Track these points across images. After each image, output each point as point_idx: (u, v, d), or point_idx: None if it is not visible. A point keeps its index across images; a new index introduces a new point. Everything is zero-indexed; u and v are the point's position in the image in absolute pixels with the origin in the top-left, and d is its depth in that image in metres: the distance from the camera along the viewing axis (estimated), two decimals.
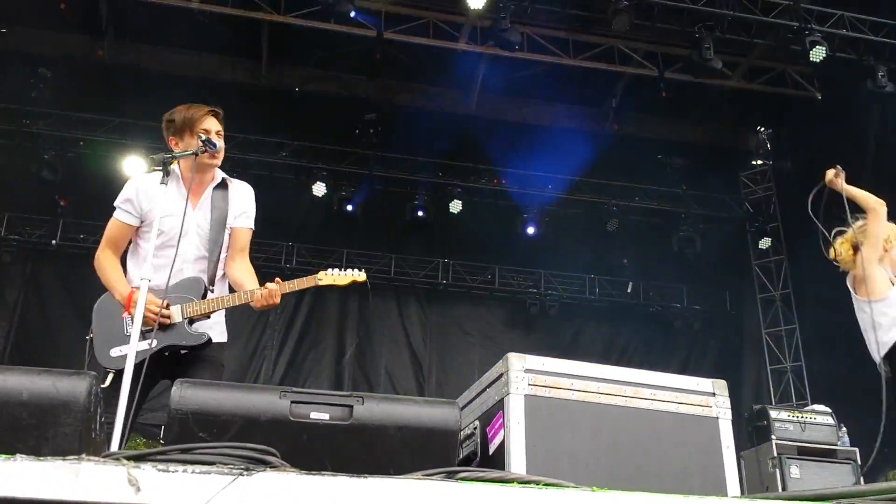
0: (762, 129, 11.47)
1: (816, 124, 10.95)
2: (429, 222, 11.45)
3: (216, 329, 3.54)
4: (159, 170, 3.35)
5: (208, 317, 3.41)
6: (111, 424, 2.72)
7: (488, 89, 11.81)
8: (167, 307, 3.30)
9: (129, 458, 1.31)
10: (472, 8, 9.25)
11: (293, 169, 11.27)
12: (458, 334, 11.93)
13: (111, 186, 10.49)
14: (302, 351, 11.33)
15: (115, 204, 3.58)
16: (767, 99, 11.16)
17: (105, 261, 3.54)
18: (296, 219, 11.34)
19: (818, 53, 9.24)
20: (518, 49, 9.97)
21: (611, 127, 12.32)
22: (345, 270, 3.52)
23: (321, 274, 3.51)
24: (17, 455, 1.27)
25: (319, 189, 11.06)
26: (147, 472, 1.28)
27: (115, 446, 2.65)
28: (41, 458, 1.26)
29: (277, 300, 3.36)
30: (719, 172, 12.26)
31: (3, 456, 1.27)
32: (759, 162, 11.97)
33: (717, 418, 2.79)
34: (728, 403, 2.84)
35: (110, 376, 3.17)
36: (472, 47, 10.46)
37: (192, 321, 3.36)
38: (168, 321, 3.28)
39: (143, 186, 3.53)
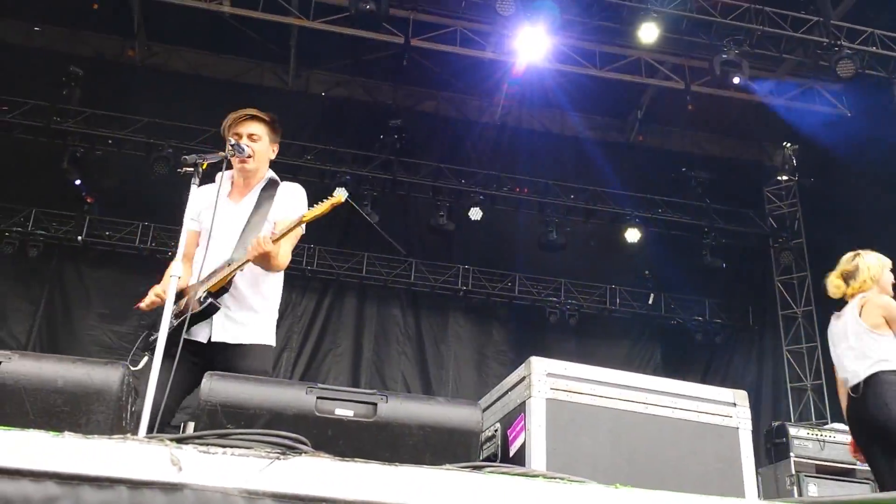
0: (788, 144, 11.41)
1: (844, 141, 10.90)
2: (450, 229, 11.49)
3: (261, 328, 3.56)
4: (190, 170, 3.42)
5: (226, 289, 3.46)
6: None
7: (513, 98, 11.86)
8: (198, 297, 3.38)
9: (171, 440, 1.36)
10: (499, 13, 9.21)
11: (317, 172, 11.37)
12: (477, 341, 11.95)
13: (137, 185, 10.80)
14: (320, 354, 11.40)
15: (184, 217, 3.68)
16: (795, 114, 11.12)
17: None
18: (318, 222, 11.40)
19: (847, 69, 9.22)
20: (546, 59, 10.03)
21: (635, 138, 12.34)
22: (324, 200, 3.51)
23: (305, 212, 3.51)
24: (66, 432, 1.33)
25: (341, 193, 11.10)
26: (188, 453, 1.33)
27: (144, 429, 2.71)
28: (88, 436, 1.31)
29: (268, 248, 3.35)
30: (744, 187, 12.23)
31: (52, 433, 1.32)
32: (785, 178, 11.91)
33: (738, 428, 2.81)
34: (748, 414, 2.85)
35: (144, 359, 3.25)
36: (498, 56, 10.51)
37: (215, 295, 3.42)
38: (161, 300, 3.34)
39: (198, 192, 3.62)
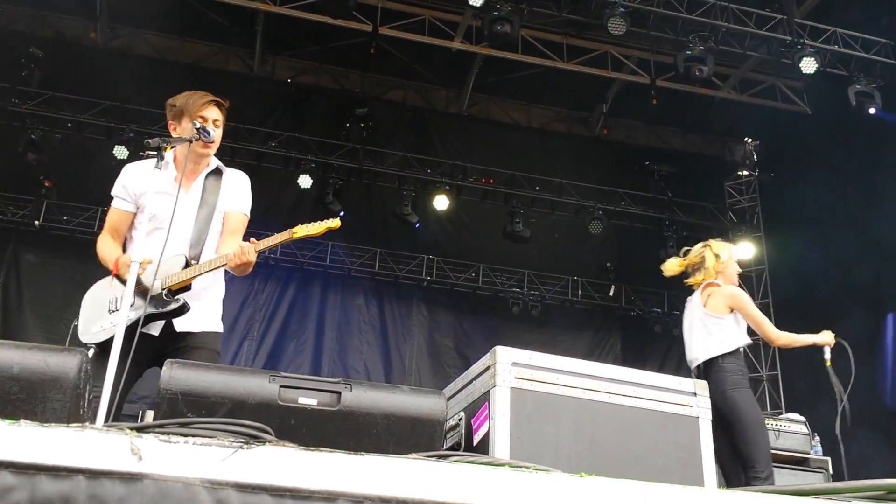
0: (749, 140, 11.58)
1: (804, 138, 11.10)
2: (415, 219, 11.47)
3: (212, 317, 3.55)
4: (154, 154, 3.35)
5: (189, 287, 3.39)
6: (98, 399, 2.72)
7: (481, 89, 11.86)
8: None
9: (131, 429, 1.33)
10: (471, 4, 9.20)
11: (282, 159, 11.26)
12: (440, 331, 11.97)
13: (97, 169, 10.59)
14: (282, 343, 11.32)
15: (112, 193, 3.60)
16: (756, 110, 11.28)
17: (102, 242, 3.57)
18: (283, 210, 11.31)
19: (809, 65, 9.37)
20: (513, 50, 10.03)
21: (600, 132, 12.42)
22: (320, 221, 3.49)
23: (297, 228, 3.48)
24: (22, 420, 1.29)
25: (305, 181, 11.04)
26: (149, 442, 1.30)
27: (101, 422, 2.66)
28: (45, 425, 1.28)
29: (252, 258, 3.31)
30: (705, 181, 12.39)
31: (8, 421, 1.29)
32: (745, 172, 12.08)
33: (698, 418, 2.85)
34: (709, 404, 2.89)
35: (91, 351, 3.18)
36: (467, 47, 10.49)
37: (172, 293, 3.35)
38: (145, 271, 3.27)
39: (135, 172, 3.55)
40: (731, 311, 4.98)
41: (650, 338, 12.34)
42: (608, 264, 12.32)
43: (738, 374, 4.81)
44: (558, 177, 11.88)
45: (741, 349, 4.95)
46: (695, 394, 2.87)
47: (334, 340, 11.48)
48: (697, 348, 5.03)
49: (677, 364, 11.97)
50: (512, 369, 2.72)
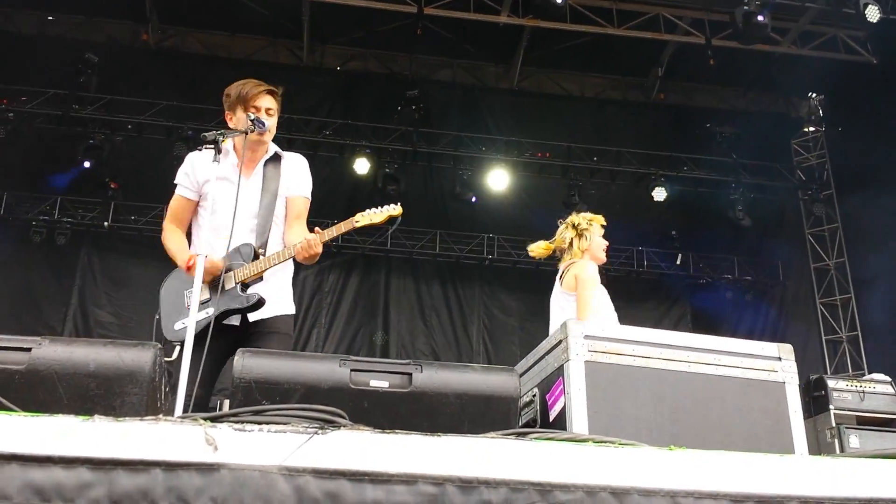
0: (814, 95, 11.14)
1: (870, 89, 10.63)
2: (472, 197, 11.39)
3: (282, 301, 3.58)
4: (211, 147, 3.37)
5: (261, 278, 3.42)
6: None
7: (531, 62, 11.67)
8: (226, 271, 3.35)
9: (205, 419, 1.31)
10: None
11: (337, 147, 11.31)
12: (504, 310, 11.89)
13: (159, 168, 10.81)
14: (350, 328, 11.40)
15: (175, 181, 3.65)
16: (819, 64, 10.83)
17: (168, 232, 3.65)
18: (342, 197, 11.36)
19: (873, 14, 8.95)
20: (562, 18, 9.82)
21: (657, 97, 12.11)
22: (380, 208, 3.46)
23: (358, 216, 3.47)
24: (95, 416, 1.28)
25: (363, 166, 11.07)
26: (224, 432, 1.28)
27: (178, 413, 2.69)
28: (119, 419, 1.26)
29: (318, 249, 3.35)
30: (770, 140, 11.97)
31: (82, 417, 1.28)
32: (812, 129, 11.65)
33: (784, 383, 2.72)
34: (795, 368, 2.76)
35: (177, 349, 3.22)
36: (514, 20, 10.32)
37: (245, 286, 3.39)
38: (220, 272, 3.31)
39: (198, 161, 3.59)
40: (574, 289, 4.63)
41: (721, 305, 12.02)
42: (673, 232, 12.00)
43: None
44: (616, 146, 11.63)
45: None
46: (779, 358, 2.74)
47: (400, 324, 11.51)
48: (553, 328, 4.76)
49: (749, 330, 11.69)
50: (585, 342, 2.64)
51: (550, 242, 5.01)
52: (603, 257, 4.87)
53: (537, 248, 5.08)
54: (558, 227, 4.97)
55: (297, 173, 3.70)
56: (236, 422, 1.33)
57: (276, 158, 3.71)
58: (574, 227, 4.85)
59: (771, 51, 10.58)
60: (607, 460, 1.39)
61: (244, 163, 3.55)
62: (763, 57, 10.81)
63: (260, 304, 3.39)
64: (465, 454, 1.34)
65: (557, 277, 4.82)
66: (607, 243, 4.93)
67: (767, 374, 2.71)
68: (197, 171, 3.59)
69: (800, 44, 10.78)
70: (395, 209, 3.47)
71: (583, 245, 4.79)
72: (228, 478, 1.22)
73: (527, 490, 1.30)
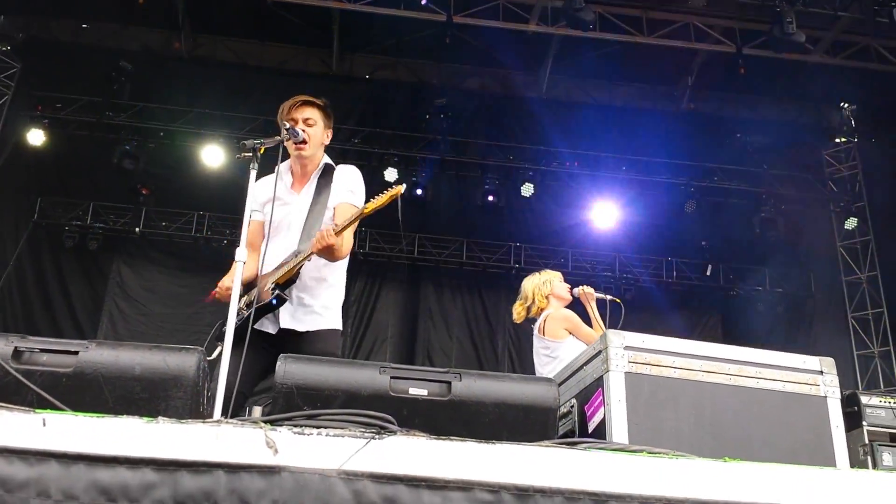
0: (846, 105, 11.00)
1: None
2: (500, 206, 11.39)
3: (325, 315, 3.63)
4: (249, 156, 3.42)
5: (293, 280, 3.52)
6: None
7: (559, 71, 11.66)
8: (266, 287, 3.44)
9: (265, 422, 1.33)
10: None
11: (365, 156, 11.37)
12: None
13: (190, 175, 10.93)
14: (376, 336, 11.44)
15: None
16: (852, 74, 10.71)
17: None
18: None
19: None
20: (591, 28, 9.80)
21: (687, 105, 12.03)
22: (383, 192, 3.50)
23: (364, 206, 3.53)
24: (160, 418, 1.30)
25: (391, 174, 11.12)
26: (283, 435, 1.29)
27: (217, 416, 2.72)
28: (182, 421, 1.28)
29: (331, 240, 3.39)
30: (801, 151, 11.85)
31: (146, 419, 1.30)
32: (843, 140, 11.50)
33: (826, 397, 2.69)
34: (836, 382, 2.73)
35: (218, 348, 3.28)
36: (544, 28, 10.31)
37: (280, 286, 3.45)
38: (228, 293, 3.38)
39: (260, 183, 3.65)
40: (569, 333, 5.08)
41: (752, 317, 11.88)
42: (703, 243, 11.90)
43: None
44: (645, 155, 11.57)
45: None
46: (822, 372, 2.72)
47: (426, 332, 11.52)
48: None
49: (780, 343, 11.54)
50: (625, 353, 2.63)
51: (521, 302, 5.52)
52: (569, 296, 5.38)
53: (518, 312, 5.58)
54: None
55: (346, 182, 3.77)
56: (295, 425, 1.34)
57: (328, 171, 3.77)
58: (533, 288, 5.38)
59: (802, 60, 10.47)
60: (662, 471, 1.38)
61: (296, 179, 3.62)
62: (794, 66, 10.70)
63: (280, 300, 3.48)
64: (520, 462, 1.35)
65: (535, 330, 5.27)
66: (569, 286, 5.49)
67: (809, 387, 2.68)
68: (259, 192, 3.63)
69: (831, 53, 10.67)
70: (395, 189, 3.50)
71: (545, 290, 5.31)
72: (289, 481, 1.24)
73: (582, 500, 1.30)
